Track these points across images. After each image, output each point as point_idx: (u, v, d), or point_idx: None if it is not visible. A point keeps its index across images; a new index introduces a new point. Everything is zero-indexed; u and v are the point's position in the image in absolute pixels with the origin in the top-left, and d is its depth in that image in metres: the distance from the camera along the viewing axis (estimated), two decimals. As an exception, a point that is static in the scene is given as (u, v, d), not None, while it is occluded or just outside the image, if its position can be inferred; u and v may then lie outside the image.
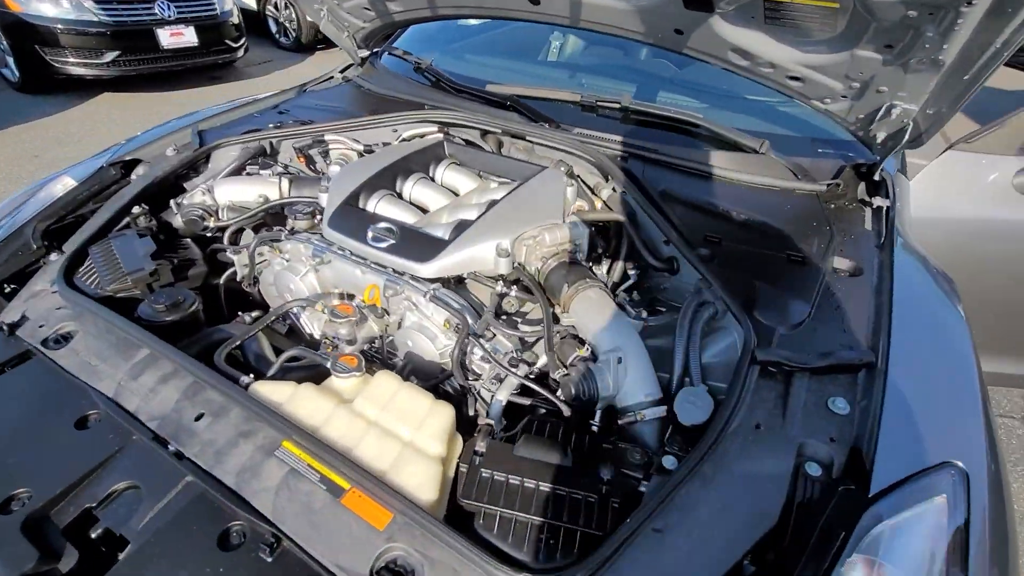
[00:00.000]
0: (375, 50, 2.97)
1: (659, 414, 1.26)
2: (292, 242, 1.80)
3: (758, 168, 2.01)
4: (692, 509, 1.02)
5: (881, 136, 1.85)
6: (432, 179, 2.04)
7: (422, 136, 2.30)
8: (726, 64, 1.94)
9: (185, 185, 2.15)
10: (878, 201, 1.92)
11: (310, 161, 2.24)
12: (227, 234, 1.94)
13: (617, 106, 2.30)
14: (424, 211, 1.89)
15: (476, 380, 1.49)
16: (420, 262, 1.54)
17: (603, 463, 1.14)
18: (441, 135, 2.26)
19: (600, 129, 2.24)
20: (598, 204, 1.93)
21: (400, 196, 1.93)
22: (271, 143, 2.28)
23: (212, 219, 1.97)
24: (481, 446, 1.18)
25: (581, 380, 1.29)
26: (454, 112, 2.26)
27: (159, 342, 1.33)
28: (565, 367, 1.38)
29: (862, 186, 1.97)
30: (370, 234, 1.62)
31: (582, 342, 1.44)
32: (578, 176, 1.97)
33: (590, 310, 1.46)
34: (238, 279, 1.91)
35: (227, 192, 2.00)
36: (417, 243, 1.59)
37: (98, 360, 1.32)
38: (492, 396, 1.41)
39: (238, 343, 1.48)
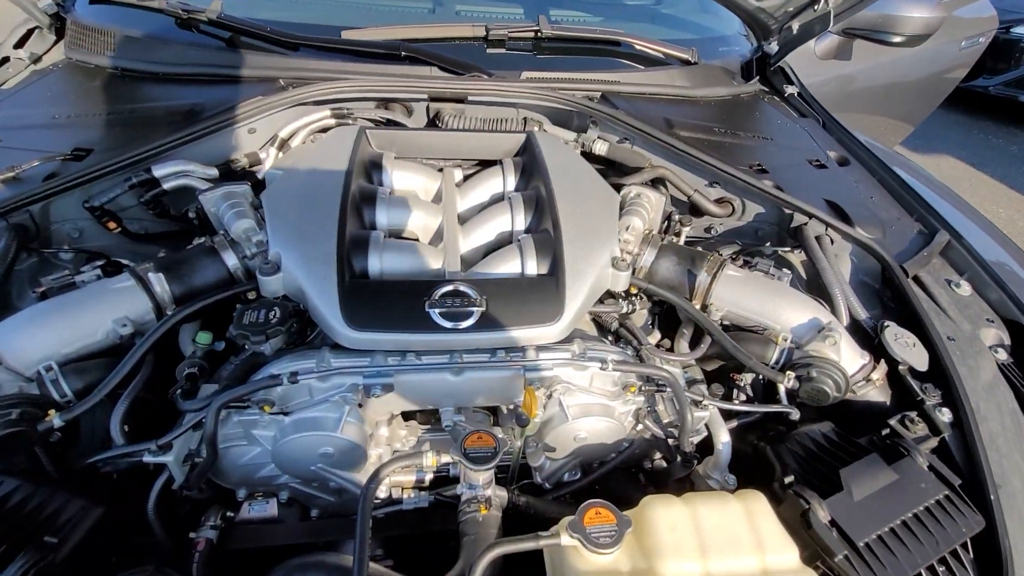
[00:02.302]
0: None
1: (883, 372, 1.17)
2: (318, 383, 1.00)
3: (705, 78, 1.92)
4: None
5: (796, 28, 1.93)
6: (387, 194, 1.36)
7: (314, 131, 1.50)
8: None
9: None
10: (791, 88, 2.06)
11: (164, 212, 1.28)
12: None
13: (531, 35, 1.86)
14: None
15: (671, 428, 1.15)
16: (546, 323, 1.03)
17: (907, 450, 1.02)
18: (350, 123, 1.51)
19: (516, 66, 1.80)
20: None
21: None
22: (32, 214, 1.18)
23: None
24: (822, 517, 0.91)
25: (830, 374, 1.09)
26: (341, 83, 1.51)
27: None
28: (787, 370, 1.14)
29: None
30: (436, 313, 1.00)
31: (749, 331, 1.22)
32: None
33: (744, 292, 1.23)
34: None
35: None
36: (512, 298, 1.06)
37: None
38: (698, 442, 1.11)
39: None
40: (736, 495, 0.92)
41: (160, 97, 1.53)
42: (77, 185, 1.20)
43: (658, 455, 1.24)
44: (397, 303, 1.02)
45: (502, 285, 1.08)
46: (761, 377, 1.28)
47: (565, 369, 1.06)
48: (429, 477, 1.11)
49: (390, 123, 1.60)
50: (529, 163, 1.42)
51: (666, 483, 1.21)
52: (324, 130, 1.56)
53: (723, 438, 1.11)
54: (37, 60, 1.79)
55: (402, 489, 1.10)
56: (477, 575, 0.80)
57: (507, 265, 1.16)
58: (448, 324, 1.00)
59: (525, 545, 0.83)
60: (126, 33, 1.65)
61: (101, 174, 1.22)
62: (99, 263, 1.19)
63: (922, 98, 3.55)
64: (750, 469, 1.14)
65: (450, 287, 1.04)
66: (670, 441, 1.16)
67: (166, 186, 1.28)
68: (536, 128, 1.62)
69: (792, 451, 1.09)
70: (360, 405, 1.01)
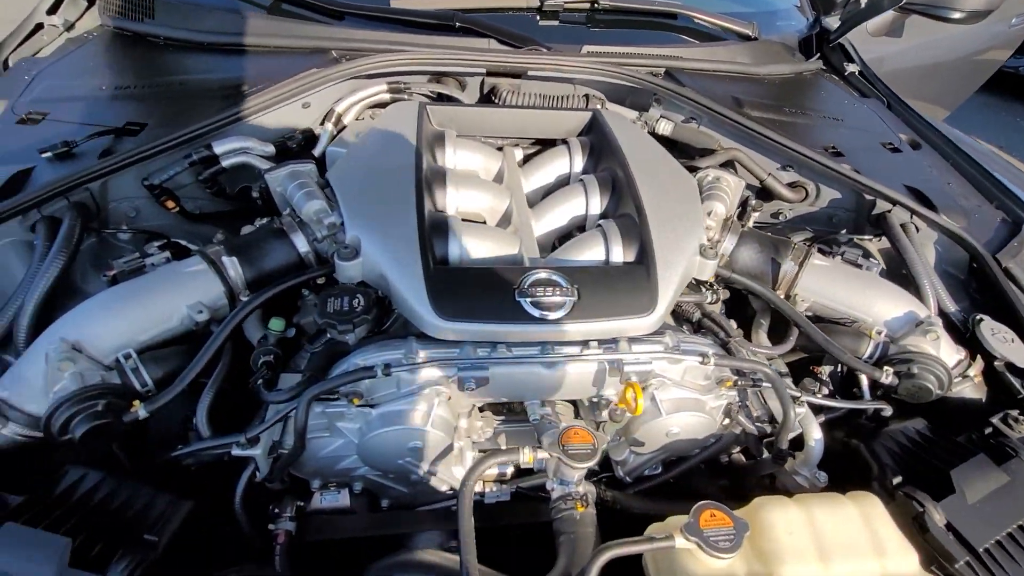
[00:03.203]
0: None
1: (979, 369, 1.12)
2: (408, 375, 0.95)
3: (767, 54, 1.83)
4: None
5: (864, 1, 1.84)
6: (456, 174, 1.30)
7: (369, 106, 1.43)
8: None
9: None
10: (851, 66, 1.98)
11: (220, 191, 1.23)
12: None
13: (587, 6, 1.77)
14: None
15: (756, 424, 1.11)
16: (640, 314, 0.98)
17: (1015, 450, 0.98)
18: (405, 98, 1.43)
19: (572, 40, 1.72)
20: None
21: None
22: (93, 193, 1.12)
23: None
24: (938, 521, 0.88)
25: (932, 370, 1.04)
26: (397, 55, 1.43)
27: None
28: (884, 364, 1.09)
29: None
30: (527, 302, 0.95)
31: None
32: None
33: (832, 282, 1.17)
34: None
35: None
36: (604, 287, 1.00)
37: None
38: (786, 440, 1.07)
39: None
40: (848, 497, 0.89)
41: (208, 68, 1.45)
42: (136, 162, 1.13)
43: (736, 449, 1.21)
44: (486, 292, 0.97)
45: (592, 274, 1.02)
46: (840, 371, 1.23)
47: (659, 362, 1.01)
48: (510, 471, 1.08)
49: (443, 98, 1.53)
50: (598, 143, 1.35)
51: (746, 479, 1.17)
52: (377, 105, 1.49)
53: (815, 435, 1.07)
54: (70, 27, 1.70)
55: (483, 483, 1.06)
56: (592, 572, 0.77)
57: (590, 252, 1.10)
58: (540, 314, 0.95)
59: (639, 547, 0.80)
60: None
61: (159, 150, 1.15)
62: (159, 243, 1.14)
63: (965, 78, 3.44)
64: (838, 466, 1.11)
65: (540, 275, 0.98)
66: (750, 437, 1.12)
67: (224, 163, 1.22)
68: (599, 106, 1.54)
69: (888, 449, 1.05)
70: (448, 398, 0.96)
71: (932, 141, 1.66)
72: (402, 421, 0.92)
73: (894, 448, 1.04)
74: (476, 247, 1.10)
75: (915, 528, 0.88)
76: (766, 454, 1.12)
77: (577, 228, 1.26)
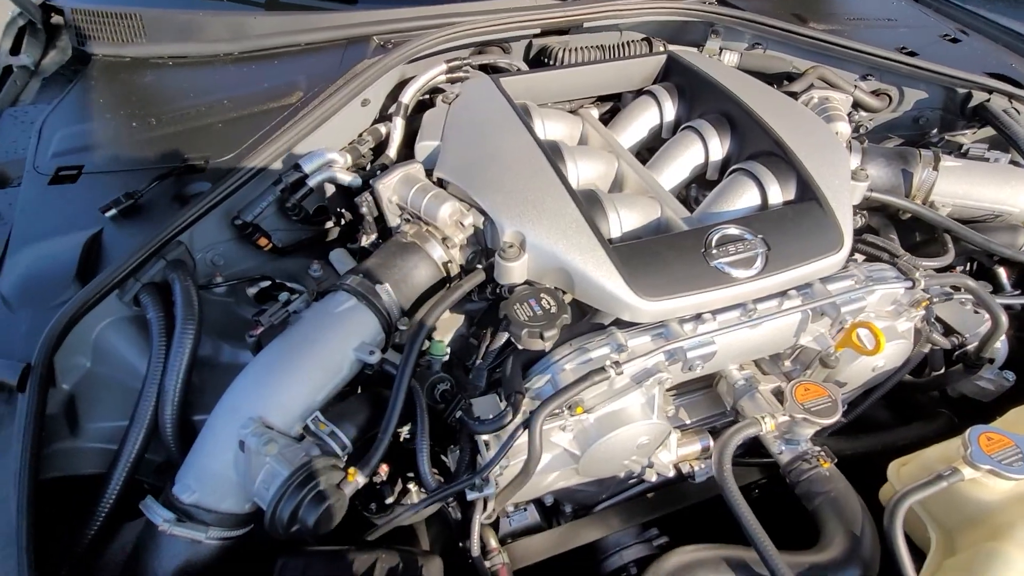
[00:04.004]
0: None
1: None
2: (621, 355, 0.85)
3: None
4: None
5: None
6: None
7: (423, 91, 1.28)
8: None
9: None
10: None
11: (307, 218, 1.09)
12: None
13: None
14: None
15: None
16: (830, 252, 0.93)
17: None
18: (462, 75, 1.29)
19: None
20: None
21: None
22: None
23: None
24: None
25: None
26: (448, 30, 1.28)
27: None
28: None
29: None
30: (724, 264, 0.88)
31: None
32: None
33: (971, 181, 1.15)
34: None
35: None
36: (787, 232, 0.93)
37: None
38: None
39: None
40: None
41: (235, 82, 1.26)
42: (222, 201, 0.97)
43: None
44: (675, 261, 0.88)
45: (770, 220, 0.95)
46: (970, 269, 1.23)
47: (854, 297, 0.96)
48: (710, 444, 1.02)
49: (495, 69, 1.39)
50: (689, 85, 1.27)
51: (922, 395, 1.16)
52: (433, 91, 1.35)
53: (1000, 336, 1.05)
54: (37, 66, 1.45)
55: (690, 463, 1.00)
56: (898, 525, 0.73)
57: (744, 198, 1.03)
58: (738, 273, 0.88)
59: (934, 488, 0.76)
60: (144, 13, 1.34)
61: (242, 183, 0.99)
62: (264, 284, 1.00)
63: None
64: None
65: (726, 231, 0.91)
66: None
67: (311, 183, 1.06)
68: (661, 48, 1.44)
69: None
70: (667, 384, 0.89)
71: (976, 27, 1.65)
72: (629, 419, 0.84)
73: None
74: (628, 218, 1.01)
75: None
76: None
77: (700, 175, 1.19)
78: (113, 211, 0.95)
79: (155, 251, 0.88)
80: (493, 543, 0.93)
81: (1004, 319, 0.97)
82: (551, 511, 1.11)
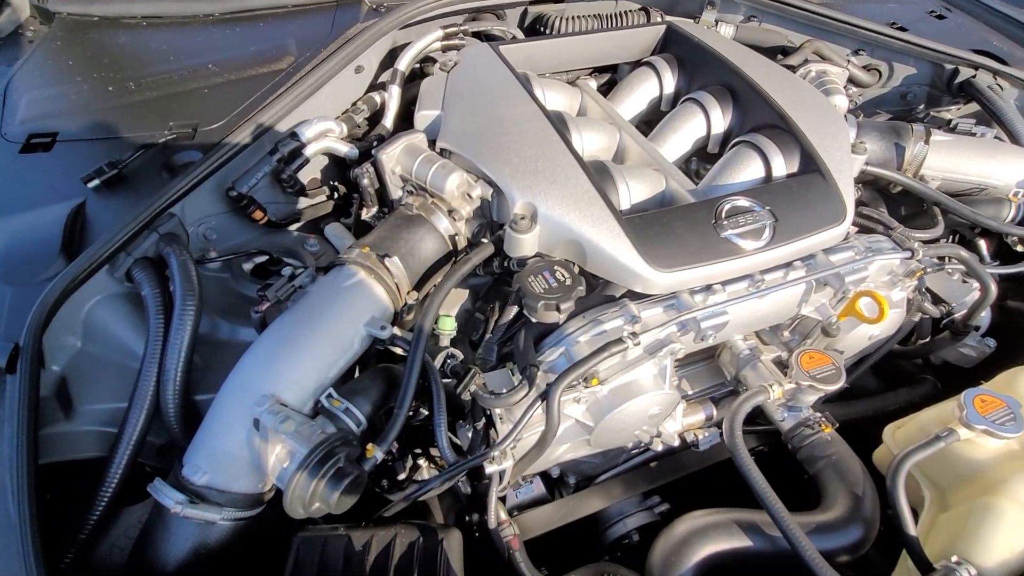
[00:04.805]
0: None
1: None
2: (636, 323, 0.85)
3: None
4: None
5: None
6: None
7: (417, 59, 1.24)
8: None
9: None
10: None
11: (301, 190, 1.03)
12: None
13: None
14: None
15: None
16: (833, 223, 0.94)
17: None
18: (459, 42, 1.25)
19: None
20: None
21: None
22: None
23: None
24: None
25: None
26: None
27: None
28: None
29: None
30: (734, 235, 0.88)
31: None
32: None
33: (959, 155, 1.18)
34: None
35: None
36: (793, 203, 0.94)
37: None
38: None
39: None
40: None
41: (218, 45, 1.19)
42: (215, 171, 0.92)
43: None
44: (687, 233, 0.88)
45: (775, 191, 0.96)
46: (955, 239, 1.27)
47: (856, 267, 0.98)
48: (713, 413, 1.04)
49: (489, 37, 1.35)
50: (690, 56, 1.25)
51: (907, 361, 1.21)
52: (426, 60, 1.30)
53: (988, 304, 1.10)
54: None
55: (694, 433, 1.02)
56: (901, 484, 0.76)
57: (748, 170, 1.03)
58: (748, 244, 0.89)
59: (932, 449, 0.79)
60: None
61: (236, 153, 0.94)
62: (261, 259, 0.96)
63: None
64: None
65: (735, 203, 0.91)
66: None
67: (308, 153, 1.02)
68: (659, 18, 1.43)
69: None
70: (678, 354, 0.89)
71: (958, 3, 1.68)
72: (642, 390, 0.85)
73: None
74: (637, 189, 1.00)
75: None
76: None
77: (702, 147, 1.19)
78: (96, 181, 0.89)
79: (147, 223, 0.83)
80: (503, 515, 0.94)
81: (994, 288, 1.01)
82: (555, 483, 1.12)
